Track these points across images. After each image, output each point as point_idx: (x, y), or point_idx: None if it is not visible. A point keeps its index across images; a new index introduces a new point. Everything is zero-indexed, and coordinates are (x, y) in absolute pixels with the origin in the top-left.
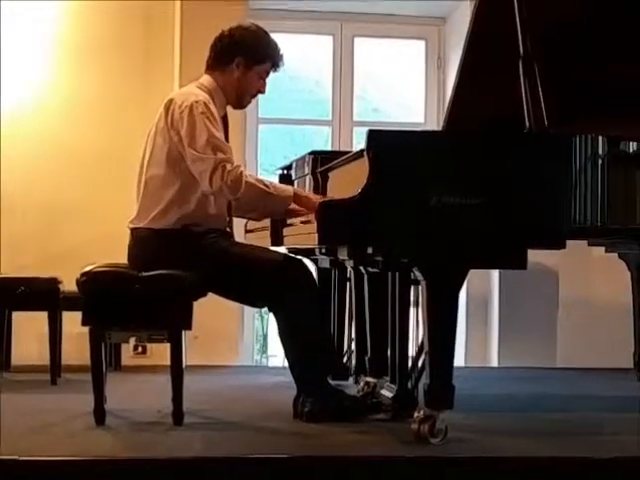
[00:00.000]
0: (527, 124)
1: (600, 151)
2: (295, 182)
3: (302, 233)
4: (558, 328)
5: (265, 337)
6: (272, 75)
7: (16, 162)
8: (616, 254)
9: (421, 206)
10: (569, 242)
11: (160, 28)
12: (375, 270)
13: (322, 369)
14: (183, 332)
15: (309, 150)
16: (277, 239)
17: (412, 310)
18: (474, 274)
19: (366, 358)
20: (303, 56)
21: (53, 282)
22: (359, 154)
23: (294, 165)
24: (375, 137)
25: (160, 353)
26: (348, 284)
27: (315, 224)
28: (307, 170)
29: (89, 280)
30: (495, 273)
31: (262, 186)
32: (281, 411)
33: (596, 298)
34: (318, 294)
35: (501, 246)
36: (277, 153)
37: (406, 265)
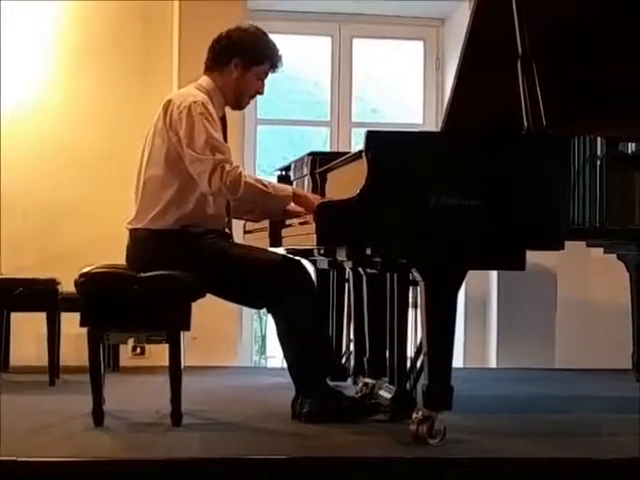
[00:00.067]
0: (526, 124)
1: (599, 152)
2: (294, 183)
3: (301, 234)
4: (556, 329)
5: (264, 338)
6: (271, 76)
7: (16, 162)
8: (615, 255)
9: (420, 207)
10: (568, 243)
11: (159, 28)
12: (374, 271)
13: (320, 370)
14: (181, 333)
15: (308, 151)
16: (276, 240)
17: (411, 311)
18: (472, 275)
19: (365, 359)
20: (302, 57)
21: (52, 283)
22: (358, 155)
23: (293, 166)
24: (374, 138)
25: (158, 354)
26: (347, 285)
27: (313, 225)
28: (306, 171)
29: (87, 281)
30: (494, 274)
31: (261, 186)
32: (279, 412)
33: (595, 299)
34: (316, 295)
35: (500, 247)
36: (276, 154)
37: (405, 266)
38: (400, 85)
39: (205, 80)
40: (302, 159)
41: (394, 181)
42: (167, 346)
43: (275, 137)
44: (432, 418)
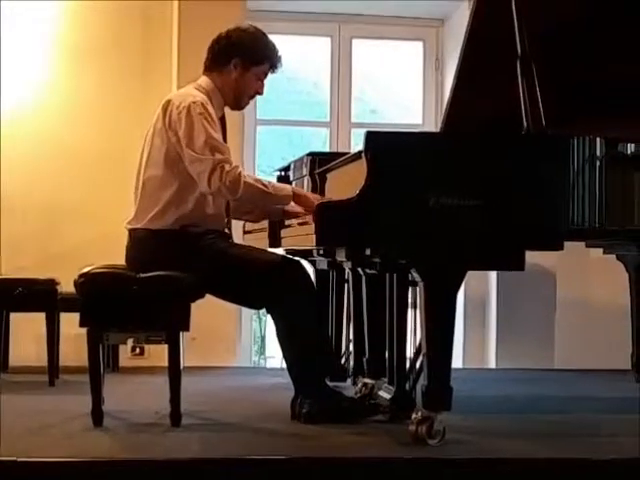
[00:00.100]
0: (525, 125)
1: (598, 152)
2: (293, 183)
3: (300, 234)
4: (556, 329)
5: (263, 338)
6: (270, 76)
7: (16, 162)
8: (614, 255)
9: (419, 207)
10: (567, 243)
11: (158, 29)
12: (373, 271)
13: (320, 370)
14: (181, 333)
15: (307, 151)
16: (275, 240)
17: (410, 311)
18: (472, 275)
19: (364, 359)
20: (301, 57)
21: (51, 283)
22: (357, 155)
23: (292, 166)
24: (373, 138)
25: (158, 354)
26: (346, 285)
27: (313, 225)
28: (305, 171)
29: (87, 281)
30: (493, 274)
31: (261, 186)
32: (279, 412)
33: (594, 299)
34: (316, 295)
35: (499, 247)
36: (275, 154)
37: (404, 266)
38: (399, 86)
39: (204, 80)
40: (301, 159)
41: (393, 181)
42: (166, 346)
43: (274, 137)
44: (431, 418)
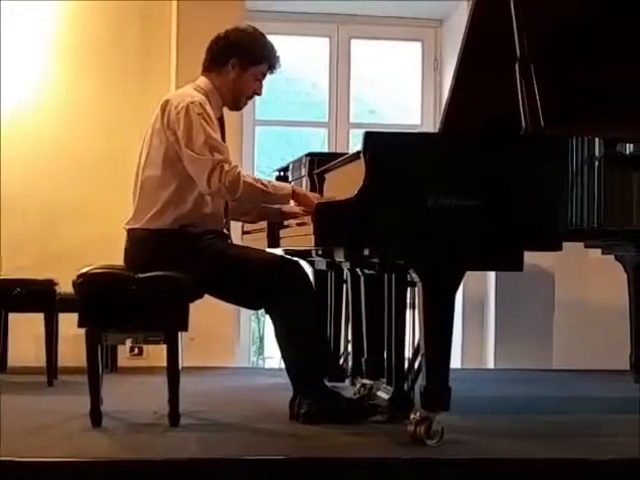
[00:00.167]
0: (523, 125)
1: (597, 153)
2: (292, 184)
3: (299, 235)
4: (554, 330)
5: (261, 339)
6: (268, 77)
7: (16, 162)
8: (612, 256)
9: (418, 208)
10: (565, 244)
11: (157, 29)
12: (371, 272)
13: (318, 371)
14: (179, 334)
15: (306, 152)
16: (274, 241)
17: (408, 312)
18: (470, 276)
19: (362, 360)
20: (300, 58)
21: (49, 284)
22: (355, 156)
23: (291, 167)
24: (372, 139)
25: (156, 355)
26: (344, 286)
27: (311, 226)
28: (304, 172)
29: (85, 282)
30: (491, 275)
31: (260, 185)
32: (277, 412)
33: (592, 300)
34: (314, 296)
35: (497, 248)
36: (274, 155)
37: (402, 267)
38: (398, 86)
39: (203, 81)
40: (300, 160)
41: (392, 182)
42: (165, 347)
43: (273, 138)
44: (430, 419)
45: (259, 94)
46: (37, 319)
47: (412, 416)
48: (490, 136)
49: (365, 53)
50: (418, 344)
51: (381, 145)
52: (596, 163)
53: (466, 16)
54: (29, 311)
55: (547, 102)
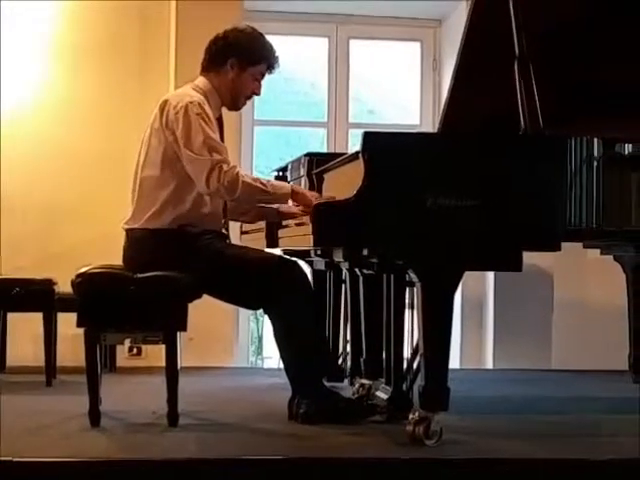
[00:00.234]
0: (522, 125)
1: (595, 153)
2: (291, 184)
3: (297, 235)
4: (553, 330)
5: (260, 339)
6: (267, 77)
7: (15, 162)
8: (611, 256)
9: (416, 208)
10: (564, 244)
11: (156, 29)
12: (370, 272)
13: (317, 371)
14: (178, 333)
15: (304, 152)
16: (272, 241)
17: (407, 312)
18: (469, 276)
19: (361, 360)
20: (298, 58)
21: (48, 283)
22: (354, 156)
23: (289, 167)
24: (371, 139)
25: (155, 354)
26: (343, 286)
27: (310, 226)
28: (302, 172)
29: (84, 281)
30: (490, 275)
31: (259, 185)
32: (276, 413)
33: (591, 300)
34: (313, 296)
35: (496, 248)
36: (273, 155)
37: (401, 267)
38: (397, 86)
39: (201, 81)
40: (299, 160)
41: (391, 182)
42: (164, 347)
43: (272, 138)
44: (429, 419)
45: (258, 94)
46: (36, 319)
47: (411, 416)
48: (489, 136)
49: (364, 53)
50: (417, 344)
51: (380, 145)
52: (595, 163)
53: (465, 16)
54: (28, 311)
55: (546, 102)
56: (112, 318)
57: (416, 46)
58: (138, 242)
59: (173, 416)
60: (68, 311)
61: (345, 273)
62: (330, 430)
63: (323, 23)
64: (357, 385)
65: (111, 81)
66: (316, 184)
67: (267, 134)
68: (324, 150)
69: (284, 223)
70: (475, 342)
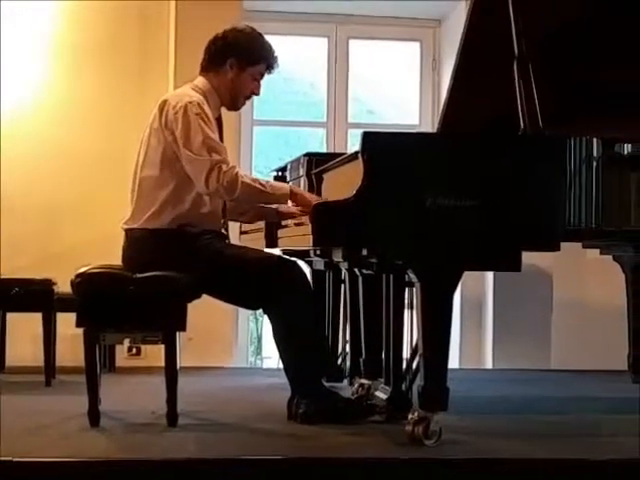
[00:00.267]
0: (522, 125)
1: (595, 153)
2: (290, 184)
3: (297, 235)
4: (552, 330)
5: (259, 339)
6: (267, 77)
7: (15, 162)
8: (611, 256)
9: (416, 208)
10: (563, 244)
11: (156, 29)
12: (369, 272)
13: (317, 371)
14: (177, 334)
15: (304, 152)
16: (272, 241)
17: (406, 312)
18: (468, 276)
19: (360, 360)
20: (298, 58)
21: (47, 283)
22: (354, 156)
23: (289, 167)
24: (370, 139)
25: (154, 354)
26: (342, 286)
27: (309, 226)
28: (302, 172)
29: (83, 281)
30: (489, 275)
31: (258, 186)
32: (275, 413)
33: (590, 300)
34: (312, 296)
35: (496, 248)
36: (272, 155)
37: (400, 267)
38: (396, 86)
39: (201, 81)
40: (298, 160)
41: (390, 182)
42: (163, 347)
43: (271, 138)
44: (428, 419)
45: (257, 94)
46: (35, 319)
47: (410, 416)
48: (488, 136)
49: (363, 53)
50: (416, 344)
51: (379, 145)
52: (594, 163)
53: (464, 16)
54: (27, 311)
55: (545, 102)
56: (111, 318)
57: (415, 46)
58: (137, 242)
59: (172, 416)
60: (67, 311)
61: (344, 273)
62: (329, 430)
63: (322, 23)
64: (356, 385)
65: (111, 81)
66: (315, 184)
67: (266, 134)
68: (323, 150)
69: (283, 223)
70: (474, 342)
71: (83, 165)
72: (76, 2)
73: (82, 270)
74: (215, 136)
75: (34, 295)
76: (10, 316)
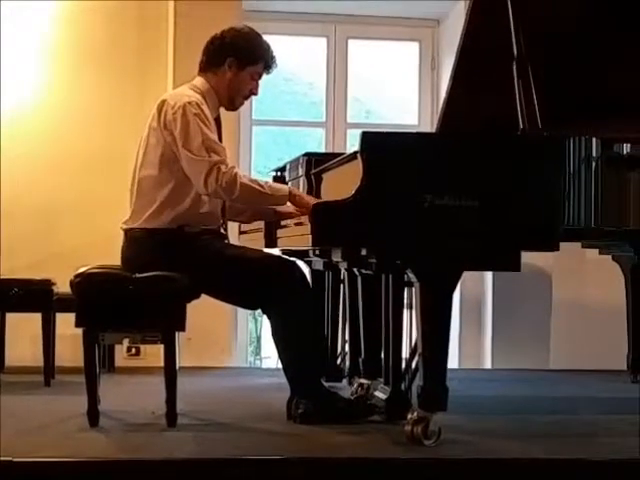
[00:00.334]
0: (521, 125)
1: (594, 153)
2: (289, 184)
3: (296, 235)
4: (551, 330)
5: (259, 339)
6: (266, 77)
7: (15, 162)
8: (610, 256)
9: (415, 208)
10: (563, 244)
11: (154, 29)
12: (369, 272)
13: (316, 371)
14: (177, 334)
15: (303, 152)
16: (271, 241)
17: (405, 312)
18: (468, 276)
19: (360, 360)
20: (297, 58)
21: (47, 283)
22: (353, 156)
23: (288, 167)
24: (369, 139)
25: (154, 354)
26: (342, 286)
27: (309, 226)
28: (301, 172)
29: (83, 281)
30: (489, 275)
31: (257, 186)
32: (275, 413)
33: (589, 300)
34: (312, 296)
35: (495, 248)
36: (271, 155)
37: (400, 267)
38: (395, 86)
39: (199, 81)
40: (297, 160)
41: (389, 182)
42: (162, 347)
43: (270, 138)
44: (427, 419)
45: (255, 94)
46: (34, 319)
47: (409, 416)
48: (488, 136)
49: (362, 53)
50: (415, 344)
51: (378, 145)
52: (593, 163)
53: (463, 16)
54: (26, 311)
55: (544, 102)
56: (110, 318)
57: (414, 46)
58: (137, 242)
59: (172, 416)
60: (67, 311)
61: (344, 273)
62: (328, 430)
63: (322, 23)
64: (356, 385)
65: (110, 81)
66: (314, 184)
67: (265, 134)
68: (322, 150)
69: (283, 223)
70: (474, 342)
71: (82, 165)
72: (76, 2)
73: (81, 270)
74: (214, 136)
75: (33, 295)
76: (9, 316)
